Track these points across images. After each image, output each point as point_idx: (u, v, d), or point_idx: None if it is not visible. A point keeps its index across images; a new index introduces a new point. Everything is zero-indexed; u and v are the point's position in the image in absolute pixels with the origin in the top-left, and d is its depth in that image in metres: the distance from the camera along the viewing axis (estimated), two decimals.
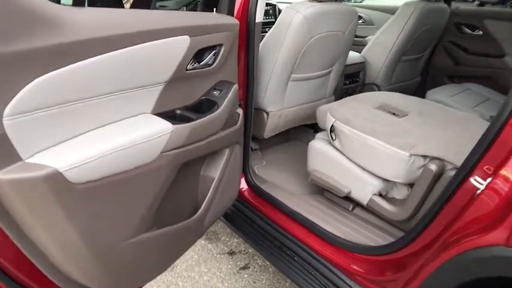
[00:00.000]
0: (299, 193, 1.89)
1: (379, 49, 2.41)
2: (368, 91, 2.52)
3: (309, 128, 2.43)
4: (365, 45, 2.70)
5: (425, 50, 2.65)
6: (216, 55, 1.32)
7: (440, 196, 1.12)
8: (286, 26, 1.73)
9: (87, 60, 0.87)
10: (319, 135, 1.81)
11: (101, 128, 0.97)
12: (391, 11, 3.03)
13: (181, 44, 1.14)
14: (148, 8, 2.44)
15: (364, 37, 3.03)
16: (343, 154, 1.61)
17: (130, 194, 1.05)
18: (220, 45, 1.32)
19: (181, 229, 1.31)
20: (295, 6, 1.75)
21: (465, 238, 0.96)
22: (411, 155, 1.36)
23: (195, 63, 1.25)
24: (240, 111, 1.53)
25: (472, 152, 1.02)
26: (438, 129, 1.53)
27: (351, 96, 1.91)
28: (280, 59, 1.79)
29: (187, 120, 1.20)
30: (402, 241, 1.30)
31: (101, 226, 0.99)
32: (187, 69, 1.20)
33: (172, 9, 2.80)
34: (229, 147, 1.48)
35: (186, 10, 2.78)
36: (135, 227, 1.10)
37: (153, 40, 1.05)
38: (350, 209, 1.73)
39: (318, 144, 1.73)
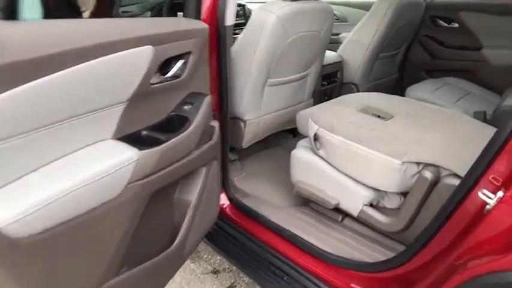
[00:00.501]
0: (284, 205, 1.77)
1: (356, 47, 2.31)
2: (346, 91, 2.43)
3: (288, 133, 2.31)
4: (339, 43, 2.62)
5: (402, 46, 2.57)
6: (184, 65, 1.18)
7: (443, 210, 1.02)
8: (260, 28, 1.60)
9: (25, 85, 0.72)
10: (301, 142, 1.69)
11: (49, 165, 0.81)
12: (365, 7, 2.95)
13: (143, 56, 1.00)
14: (110, 16, 2.26)
15: (338, 34, 2.93)
16: (329, 163, 1.49)
17: (93, 238, 0.90)
18: (189, 53, 1.18)
19: (158, 264, 1.16)
20: (267, 6, 1.62)
21: (477, 261, 0.86)
22: (403, 162, 1.26)
23: (160, 76, 1.11)
24: (215, 123, 1.39)
25: (477, 162, 0.92)
26: (427, 131, 1.43)
27: (331, 100, 1.80)
28: (254, 64, 1.66)
29: (156, 142, 1.05)
30: (403, 256, 1.20)
31: (58, 282, 0.83)
32: (152, 84, 1.06)
33: (135, 16, 2.63)
34: (206, 165, 1.34)
35: (151, 15, 2.62)
36: (101, 273, 0.94)
37: (109, 54, 0.90)
38: (339, 220, 1.62)
39: (301, 154, 1.61)
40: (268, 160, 2.19)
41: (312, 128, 1.52)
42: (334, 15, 3.13)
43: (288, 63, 1.80)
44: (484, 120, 1.99)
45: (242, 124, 1.82)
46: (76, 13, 2.41)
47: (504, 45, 2.38)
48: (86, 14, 2.46)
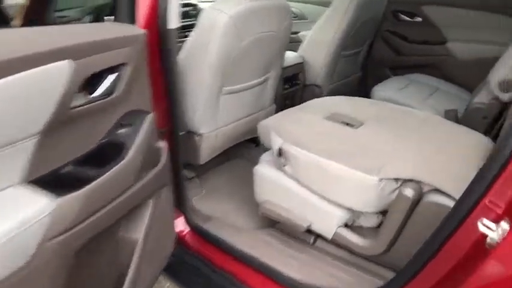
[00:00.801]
0: (250, 227, 1.58)
1: (318, 46, 2.16)
2: (309, 93, 2.28)
3: (250, 142, 2.13)
4: (299, 42, 2.47)
5: (365, 43, 2.45)
6: (117, 79, 0.97)
7: (432, 241, 0.87)
8: (210, 31, 1.40)
9: None
10: (264, 156, 1.51)
11: None
12: (324, 3, 2.80)
13: (58, 74, 0.78)
14: (43, 23, 1.99)
15: (297, 33, 2.77)
16: (298, 181, 1.32)
17: None
18: (123, 64, 0.97)
19: None
20: (218, 5, 1.43)
21: None
22: (381, 179, 1.11)
23: (87, 96, 0.90)
24: (162, 144, 1.19)
25: (473, 184, 0.77)
26: (403, 139, 1.29)
27: (294, 108, 1.63)
28: (206, 71, 1.47)
29: (82, 181, 0.84)
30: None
31: None
32: (73, 107, 0.84)
33: (73, 21, 2.35)
34: (154, 195, 1.13)
35: (92, 21, 2.36)
36: None
37: (10, 75, 0.68)
38: (311, 242, 1.45)
39: (264, 170, 1.43)
40: (230, 174, 2.00)
41: (276, 142, 1.34)
42: (293, 12, 2.98)
43: (245, 67, 1.61)
44: (456, 118, 1.89)
45: (197, 138, 1.62)
46: (2, 21, 2.11)
47: (469, 38, 2.30)
48: (16, 21, 2.17)
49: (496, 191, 0.74)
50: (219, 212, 1.66)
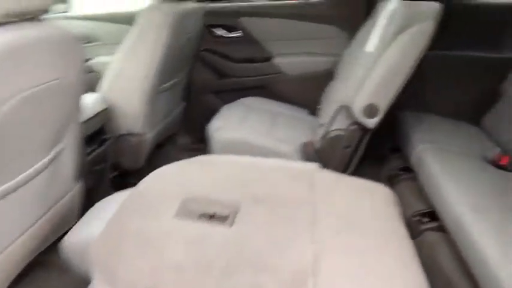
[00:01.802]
0: None
1: (128, 84, 1.52)
2: (125, 146, 1.66)
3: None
4: (95, 72, 1.81)
5: (185, 68, 1.94)
6: None
7: None
8: None
9: None
10: None
11: None
12: (119, 19, 2.13)
13: None
14: None
15: (88, 60, 2.06)
16: None
17: None
18: None
19: None
20: None
21: None
22: None
23: None
24: None
25: None
26: (304, 235, 0.85)
27: (122, 196, 1.00)
28: None
29: None
30: None
31: None
32: None
33: None
34: None
35: None
36: None
37: None
38: None
39: None
40: None
41: None
42: (83, 35, 2.18)
43: (10, 152, 0.90)
44: (314, 151, 1.58)
45: None
46: None
47: (293, 51, 2.07)
48: None
49: None
50: None
